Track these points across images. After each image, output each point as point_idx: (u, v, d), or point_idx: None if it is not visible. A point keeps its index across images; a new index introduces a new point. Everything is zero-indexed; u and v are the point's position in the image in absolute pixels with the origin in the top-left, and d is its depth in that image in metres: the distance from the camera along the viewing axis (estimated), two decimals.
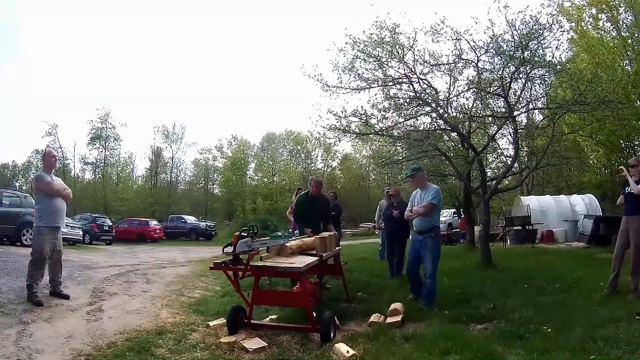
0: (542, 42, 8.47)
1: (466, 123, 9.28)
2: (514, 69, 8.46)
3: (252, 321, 4.67)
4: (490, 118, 9.67)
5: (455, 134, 9.66)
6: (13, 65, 59.31)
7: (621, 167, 5.87)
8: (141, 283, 7.14)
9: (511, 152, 10.07)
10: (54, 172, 5.61)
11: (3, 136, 53.57)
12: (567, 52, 12.49)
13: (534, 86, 9.53)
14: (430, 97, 8.78)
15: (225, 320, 4.60)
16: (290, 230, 9.01)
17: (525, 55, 8.22)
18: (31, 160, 42.94)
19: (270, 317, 5.13)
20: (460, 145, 10.19)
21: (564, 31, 9.13)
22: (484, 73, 8.95)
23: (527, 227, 14.35)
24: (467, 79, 9.11)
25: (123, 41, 61.34)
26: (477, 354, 3.59)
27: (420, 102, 8.90)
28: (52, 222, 5.29)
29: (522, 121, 10.45)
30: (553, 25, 8.31)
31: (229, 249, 4.37)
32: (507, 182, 13.29)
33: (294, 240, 5.49)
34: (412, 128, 9.58)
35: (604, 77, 10.31)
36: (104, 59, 59.96)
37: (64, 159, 37.76)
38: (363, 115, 9.00)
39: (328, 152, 43.17)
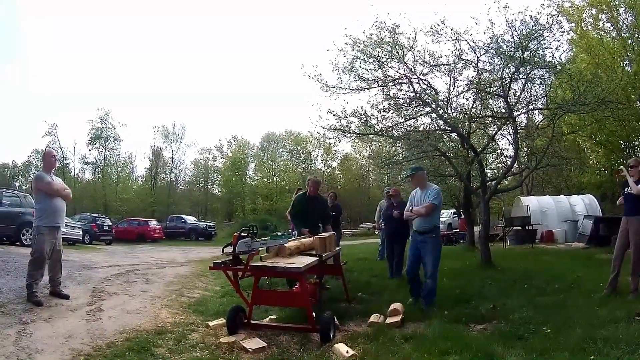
0: (542, 42, 8.48)
1: (466, 123, 9.28)
2: (513, 69, 8.46)
3: (251, 321, 4.67)
4: (490, 118, 9.67)
5: (455, 134, 9.66)
6: (13, 65, 59.37)
7: (621, 167, 5.86)
8: (141, 283, 7.14)
9: (511, 152, 10.07)
10: (53, 172, 5.60)
11: (3, 136, 53.65)
12: (567, 53, 12.54)
13: (534, 86, 9.53)
14: (430, 98, 8.78)
15: (224, 321, 4.60)
16: (290, 230, 9.01)
17: (525, 55, 8.22)
18: (31, 160, 43.00)
19: (269, 317, 5.13)
20: (460, 146, 10.19)
21: (564, 32, 9.14)
22: (484, 73, 8.96)
23: (526, 227, 14.34)
24: (467, 79, 9.13)
25: (123, 41, 61.40)
26: (476, 354, 3.59)
27: (420, 102, 8.91)
28: (51, 222, 5.29)
29: (522, 122, 10.48)
30: (553, 26, 8.32)
31: (229, 249, 4.38)
32: (507, 182, 13.30)
33: (292, 240, 5.48)
34: (412, 128, 9.58)
35: (603, 78, 10.29)
36: (104, 59, 60.04)
37: (64, 159, 37.78)
38: (363, 116, 9.01)
39: (328, 153, 43.17)
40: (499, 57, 8.65)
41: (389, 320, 4.83)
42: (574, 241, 14.34)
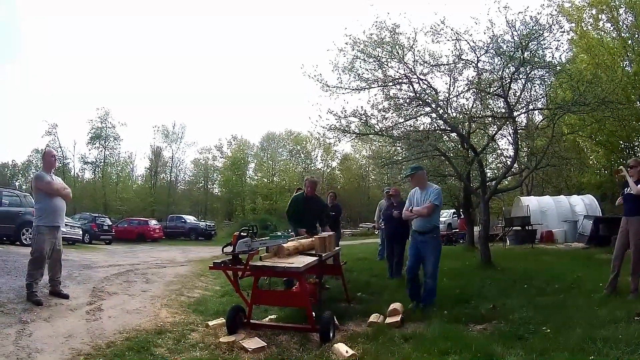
0: (542, 42, 8.47)
1: (466, 123, 9.28)
2: (513, 69, 8.45)
3: (251, 321, 4.68)
4: (490, 118, 9.66)
5: (455, 134, 9.66)
6: (13, 65, 59.41)
7: (620, 167, 5.86)
8: (141, 283, 7.14)
9: (511, 152, 10.08)
10: (53, 172, 5.60)
11: (3, 136, 53.68)
12: (567, 53, 12.52)
13: (534, 87, 9.52)
14: (430, 98, 8.78)
15: (224, 320, 4.61)
16: (289, 230, 9.01)
17: (525, 55, 8.21)
18: (31, 160, 43.04)
19: (269, 317, 5.14)
20: (460, 146, 10.19)
21: (564, 32, 9.12)
22: (484, 73, 8.95)
23: (526, 227, 14.34)
24: (467, 79, 9.12)
25: (123, 41, 61.45)
26: (476, 354, 3.59)
27: (420, 102, 8.90)
28: (51, 221, 5.29)
29: (521, 122, 10.47)
30: (553, 26, 8.31)
31: (229, 249, 4.38)
32: (506, 182, 13.29)
33: (291, 240, 5.48)
34: (412, 128, 9.58)
35: (603, 78, 10.29)
36: (104, 59, 60.14)
37: (64, 159, 37.81)
38: (363, 116, 9.00)
39: (328, 152, 43.18)
40: (499, 57, 8.64)
41: (389, 320, 4.82)
42: (573, 241, 14.34)
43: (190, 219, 29.63)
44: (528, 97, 9.53)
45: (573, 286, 6.34)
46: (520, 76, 8.70)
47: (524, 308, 5.07)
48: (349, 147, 45.74)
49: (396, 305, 5.09)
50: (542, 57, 8.60)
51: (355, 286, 6.77)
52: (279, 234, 5.19)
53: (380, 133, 9.38)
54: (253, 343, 4.09)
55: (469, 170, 10.10)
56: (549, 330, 4.12)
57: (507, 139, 10.56)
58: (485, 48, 8.62)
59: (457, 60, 8.81)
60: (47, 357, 3.67)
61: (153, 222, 26.02)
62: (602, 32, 16.18)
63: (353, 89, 9.10)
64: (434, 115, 9.05)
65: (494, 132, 9.78)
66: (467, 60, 8.83)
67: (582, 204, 16.49)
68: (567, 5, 15.81)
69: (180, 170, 44.12)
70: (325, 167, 45.14)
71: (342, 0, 63.29)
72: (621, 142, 17.11)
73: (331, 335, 4.29)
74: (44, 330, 4.22)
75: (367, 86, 9.06)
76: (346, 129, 9.25)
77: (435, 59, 8.99)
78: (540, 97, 10.01)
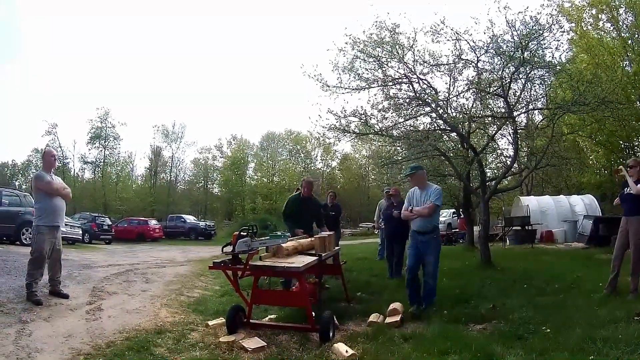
0: (542, 42, 8.46)
1: (466, 123, 9.27)
2: (513, 69, 8.45)
3: (251, 321, 4.68)
4: (489, 118, 9.66)
5: (455, 134, 9.66)
6: (13, 65, 59.42)
7: (620, 167, 5.86)
8: (140, 282, 7.14)
9: (511, 152, 10.06)
10: (53, 171, 5.60)
11: (3, 135, 53.68)
12: (567, 53, 12.50)
13: (534, 86, 9.50)
14: (430, 97, 8.77)
15: (224, 320, 4.61)
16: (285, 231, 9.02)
17: (525, 55, 8.21)
18: (31, 160, 43.05)
19: (269, 316, 5.14)
20: (459, 146, 10.19)
21: (563, 32, 9.11)
22: (484, 73, 8.94)
23: (526, 227, 14.34)
24: (467, 79, 9.12)
25: (123, 41, 61.50)
26: (476, 354, 3.59)
27: (420, 102, 8.90)
28: (51, 221, 5.29)
29: (521, 121, 10.45)
30: (553, 26, 8.30)
31: (228, 249, 4.38)
32: (506, 182, 13.29)
33: (290, 241, 5.47)
34: (411, 128, 9.58)
35: (603, 78, 10.27)
36: (103, 58, 60.21)
37: (64, 158, 37.82)
38: (363, 115, 9.00)
39: (327, 152, 43.22)
40: (499, 57, 8.64)
41: (389, 319, 4.82)
42: (573, 241, 14.34)
43: (190, 218, 29.65)
44: (528, 97, 9.54)
45: (573, 286, 6.33)
46: (520, 76, 8.70)
47: (524, 308, 5.06)
48: (349, 146, 45.96)
49: (396, 305, 5.09)
50: (542, 57, 8.59)
51: (355, 286, 6.77)
52: (279, 233, 5.19)
53: (380, 133, 9.37)
54: (253, 343, 4.09)
55: (468, 170, 10.10)
56: (548, 330, 4.12)
57: (507, 139, 10.56)
58: (485, 48, 8.62)
59: (457, 60, 8.81)
60: (46, 357, 3.67)
61: (153, 222, 26.03)
62: (602, 32, 16.18)
63: (353, 89, 9.10)
64: (433, 115, 9.05)
65: (494, 132, 9.78)
66: (467, 60, 8.82)
67: (582, 204, 16.49)
68: (567, 5, 15.84)
69: (180, 170, 44.26)
70: (325, 167, 45.22)
71: (342, 0, 63.32)
72: (621, 142, 17.12)
73: (331, 335, 4.29)
74: (44, 330, 4.22)
75: (367, 86, 9.05)
76: (346, 128, 9.24)
77: (435, 58, 8.99)
78: (540, 97, 10.01)
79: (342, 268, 6.22)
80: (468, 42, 8.60)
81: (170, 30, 65.75)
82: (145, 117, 74.72)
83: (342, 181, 43.75)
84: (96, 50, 61.84)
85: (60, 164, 34.99)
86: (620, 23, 15.80)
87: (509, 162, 10.04)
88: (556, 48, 8.84)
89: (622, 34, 15.70)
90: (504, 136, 10.51)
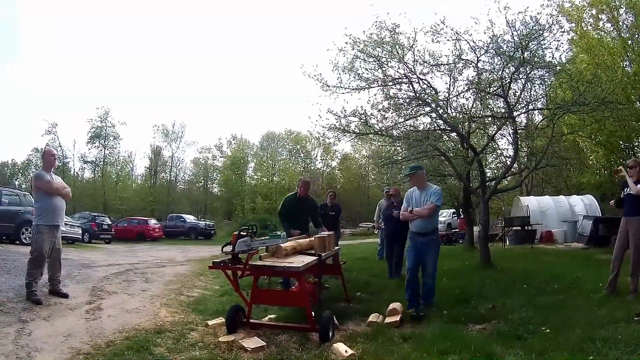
0: (542, 42, 8.45)
1: (466, 123, 9.27)
2: (513, 69, 8.44)
3: (250, 320, 4.68)
4: (489, 118, 9.66)
5: (455, 134, 9.66)
6: (13, 65, 59.39)
7: (620, 167, 5.86)
8: (140, 282, 7.14)
9: (511, 152, 10.06)
10: (53, 171, 5.60)
11: (3, 135, 53.65)
12: (567, 53, 12.49)
13: (534, 87, 9.49)
14: (430, 97, 8.77)
15: (224, 320, 4.61)
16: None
17: (525, 55, 8.20)
18: (31, 159, 43.00)
19: (269, 316, 5.13)
20: (459, 146, 10.18)
21: (564, 32, 9.11)
22: (484, 73, 8.93)
23: (526, 227, 14.34)
24: (467, 79, 9.10)
25: (123, 41, 61.48)
26: (475, 354, 3.59)
27: (420, 102, 8.89)
28: (51, 220, 5.29)
29: (521, 122, 10.45)
30: (553, 26, 8.29)
31: (228, 248, 4.38)
32: (506, 182, 13.28)
33: (289, 241, 5.46)
34: (411, 128, 9.57)
35: (603, 78, 10.27)
36: (103, 58, 60.18)
37: (64, 158, 37.79)
38: (363, 115, 8.99)
39: (327, 152, 43.22)
40: (499, 57, 8.63)
41: (388, 319, 4.83)
42: (573, 241, 14.34)
43: (189, 218, 29.65)
44: (528, 97, 9.53)
45: (572, 286, 6.33)
46: (520, 76, 8.69)
47: (524, 308, 5.07)
48: (349, 146, 45.94)
49: (395, 305, 5.09)
50: (542, 57, 8.59)
51: (354, 286, 6.77)
52: (279, 233, 5.18)
53: (380, 133, 9.37)
54: (252, 342, 4.09)
55: (468, 170, 10.10)
56: (548, 330, 4.12)
57: (507, 139, 10.55)
58: (485, 48, 8.61)
59: (457, 60, 8.80)
60: (46, 356, 3.67)
61: (153, 222, 26.01)
62: (602, 32, 16.18)
63: (353, 89, 9.09)
64: (433, 115, 9.05)
65: (494, 132, 9.78)
66: (467, 60, 8.82)
67: (582, 204, 16.49)
68: (567, 5, 15.84)
69: (180, 169, 44.25)
70: (325, 167, 45.21)
71: (342, 0, 63.31)
72: (621, 142, 17.13)
73: (330, 334, 4.29)
74: (44, 330, 4.22)
75: (367, 86, 9.05)
76: (346, 128, 9.24)
77: (435, 58, 8.98)
78: (540, 97, 10.01)
79: (342, 268, 6.22)
80: (468, 42, 8.61)
81: (170, 30, 65.82)
82: (145, 117, 74.82)
83: (342, 181, 43.75)
84: (96, 50, 61.92)
85: (60, 164, 34.98)
86: (621, 23, 15.81)
87: (508, 162, 10.04)
88: (556, 48, 8.85)
89: (622, 34, 15.71)
90: (504, 136, 10.52)
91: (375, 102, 8.98)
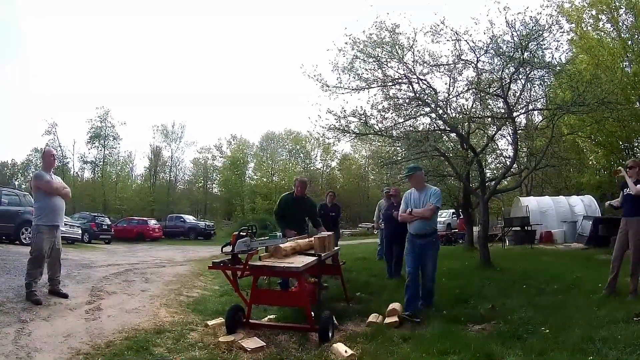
0: (541, 43, 8.46)
1: (465, 124, 9.28)
2: (513, 69, 8.45)
3: (250, 321, 4.68)
4: (489, 119, 9.67)
5: (455, 134, 9.66)
6: (13, 64, 59.35)
7: (619, 167, 5.86)
8: (140, 282, 7.13)
9: (510, 152, 10.07)
10: (53, 171, 5.60)
11: (3, 135, 53.59)
12: (566, 53, 12.49)
13: (534, 87, 9.52)
14: (429, 98, 8.78)
15: (223, 320, 4.61)
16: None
17: (524, 56, 8.21)
18: (30, 159, 42.91)
19: (268, 316, 5.13)
20: (459, 146, 10.18)
21: (563, 32, 9.13)
22: (484, 74, 8.95)
23: (526, 227, 14.34)
24: (467, 79, 9.12)
25: (123, 41, 61.42)
26: (475, 354, 3.59)
27: (420, 102, 8.90)
28: (51, 220, 5.29)
29: (521, 122, 10.46)
30: (553, 27, 8.30)
31: (228, 249, 4.38)
32: (506, 182, 13.31)
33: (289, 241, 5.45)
34: (411, 128, 9.57)
35: (603, 78, 10.29)
36: (103, 58, 60.10)
37: (63, 158, 37.71)
38: (362, 116, 8.99)
39: (327, 152, 43.22)
40: (498, 58, 8.63)
41: (388, 320, 4.82)
42: (573, 242, 14.36)
43: (189, 218, 29.65)
44: (527, 97, 9.55)
45: (572, 287, 6.34)
46: (520, 76, 8.70)
47: (523, 308, 5.07)
48: (349, 147, 45.93)
49: (395, 305, 5.09)
50: (541, 58, 8.60)
51: (354, 286, 6.77)
52: (278, 234, 5.17)
53: (379, 133, 9.37)
54: (252, 343, 4.09)
55: (468, 171, 10.10)
56: (548, 331, 4.13)
57: (507, 139, 10.57)
58: (485, 48, 8.62)
59: (456, 60, 8.81)
60: (46, 356, 3.66)
61: (152, 222, 26.00)
62: (602, 33, 16.19)
63: (353, 89, 9.10)
64: (433, 115, 9.05)
65: (494, 132, 9.78)
66: (467, 60, 8.83)
67: (582, 205, 16.50)
68: (567, 5, 15.85)
69: (179, 169, 44.20)
70: (325, 167, 45.20)
71: (342, 0, 63.34)
72: (621, 142, 17.14)
73: (330, 335, 4.29)
74: (43, 330, 4.22)
75: (367, 86, 9.05)
76: (345, 128, 9.23)
77: (435, 59, 9.00)
78: (540, 97, 10.03)
79: (342, 268, 6.21)
80: (468, 43, 8.62)
81: (170, 30, 65.80)
82: (145, 117, 74.75)
83: (342, 181, 43.74)
84: (96, 50, 61.84)
85: (59, 164, 34.92)
86: (620, 24, 15.83)
87: (508, 163, 10.05)
88: (556, 48, 8.86)
89: (622, 35, 15.72)
90: (504, 137, 10.54)
91: (375, 102, 9.00)
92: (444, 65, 8.95)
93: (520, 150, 9.72)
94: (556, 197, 18.45)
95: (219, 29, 68.26)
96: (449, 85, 9.16)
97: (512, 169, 10.10)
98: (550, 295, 5.87)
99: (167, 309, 5.44)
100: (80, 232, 16.72)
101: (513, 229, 14.94)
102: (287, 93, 69.86)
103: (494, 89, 8.76)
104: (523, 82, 8.88)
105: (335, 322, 4.67)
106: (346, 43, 8.92)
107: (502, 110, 9.16)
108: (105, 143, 38.68)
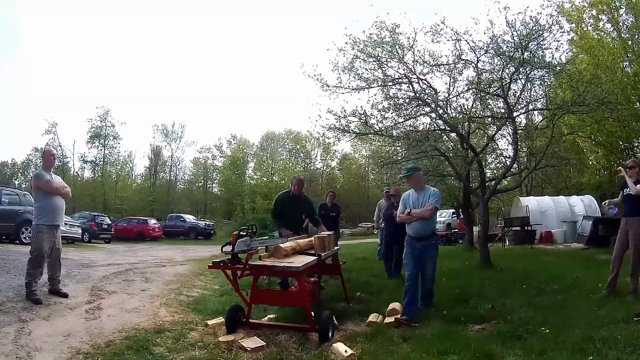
0: (541, 43, 8.46)
1: (465, 123, 9.28)
2: (513, 69, 8.44)
3: (250, 320, 4.67)
4: (489, 119, 9.66)
5: (455, 134, 9.66)
6: (13, 64, 59.34)
7: (619, 167, 5.86)
8: (140, 282, 7.14)
9: (510, 152, 10.07)
10: (53, 171, 5.60)
11: (3, 134, 53.62)
12: (567, 53, 12.49)
13: (534, 87, 9.50)
14: (429, 98, 8.77)
15: (223, 319, 4.61)
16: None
17: (525, 56, 8.20)
18: (30, 159, 43.00)
19: (268, 316, 5.13)
20: (459, 146, 10.18)
21: (563, 32, 9.13)
22: (484, 74, 8.94)
23: (526, 227, 14.35)
24: (467, 79, 9.11)
25: (123, 41, 61.44)
26: (475, 354, 3.59)
27: (420, 102, 8.89)
28: (51, 220, 5.29)
29: (521, 122, 10.46)
30: (553, 26, 8.30)
31: (228, 248, 4.38)
32: (506, 182, 13.30)
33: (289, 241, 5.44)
34: (411, 128, 9.57)
35: (603, 78, 10.29)
36: (103, 58, 60.12)
37: (64, 157, 37.75)
38: (362, 115, 8.98)
39: (327, 152, 43.23)
40: (498, 58, 8.63)
41: (388, 320, 4.82)
42: (573, 242, 14.36)
43: (189, 218, 29.67)
44: (528, 97, 9.54)
45: (572, 287, 6.33)
46: (520, 76, 8.70)
47: (523, 308, 5.07)
48: (349, 146, 45.96)
49: (395, 305, 5.08)
50: (542, 58, 8.59)
51: (354, 286, 6.76)
52: (278, 234, 5.17)
53: (379, 133, 9.36)
54: (252, 342, 4.09)
55: (468, 171, 10.09)
56: (548, 331, 4.13)
57: (507, 139, 10.57)
58: (485, 48, 8.61)
59: (457, 60, 8.80)
60: (46, 356, 3.66)
61: (152, 221, 26.02)
62: (602, 33, 16.19)
63: (353, 89, 9.09)
64: (433, 115, 9.04)
65: (494, 132, 9.78)
66: (467, 60, 8.82)
67: (582, 205, 16.51)
68: (567, 5, 15.85)
69: (179, 169, 44.22)
70: (325, 167, 45.20)
71: (342, 0, 63.32)
72: (621, 142, 17.14)
73: (330, 334, 4.29)
74: (43, 329, 4.22)
75: (367, 86, 9.04)
76: (346, 128, 9.23)
77: (435, 59, 8.98)
78: (540, 97, 10.01)
79: (342, 268, 6.21)
80: (468, 43, 8.61)
81: (170, 30, 65.78)
82: (145, 117, 74.73)
83: (342, 181, 43.76)
84: (96, 50, 61.83)
85: (60, 163, 34.94)
86: (621, 24, 15.82)
87: (508, 163, 10.05)
88: (556, 48, 8.84)
89: (622, 35, 15.72)
90: (504, 136, 10.54)
91: (375, 102, 8.99)
92: (444, 65, 8.94)
93: (520, 150, 9.71)
94: (556, 197, 18.45)
95: (219, 29, 68.35)
96: (449, 85, 9.17)
97: (512, 169, 10.09)
98: (550, 295, 5.87)
99: (167, 309, 5.44)
100: (80, 231, 16.73)
101: (513, 229, 14.94)
102: (287, 93, 69.98)
103: (494, 89, 8.76)
104: (523, 82, 8.88)
105: (335, 322, 4.67)
106: (346, 43, 8.93)
107: (502, 110, 9.15)
108: (106, 143, 38.71)
